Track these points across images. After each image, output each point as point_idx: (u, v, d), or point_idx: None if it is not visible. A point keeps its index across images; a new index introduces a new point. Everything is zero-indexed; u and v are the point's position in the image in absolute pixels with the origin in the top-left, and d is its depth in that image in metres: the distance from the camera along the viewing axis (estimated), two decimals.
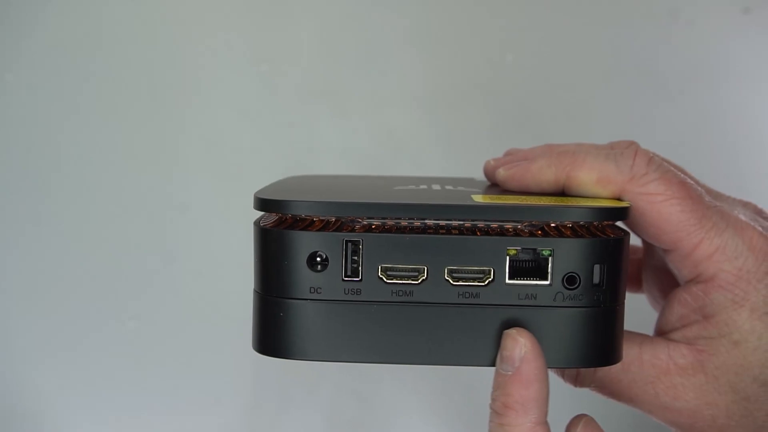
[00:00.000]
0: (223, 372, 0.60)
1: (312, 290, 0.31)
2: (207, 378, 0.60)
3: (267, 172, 0.59)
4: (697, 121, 0.58)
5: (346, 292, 0.31)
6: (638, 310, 0.37)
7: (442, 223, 0.31)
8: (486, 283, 0.30)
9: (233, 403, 0.60)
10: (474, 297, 0.30)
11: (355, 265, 0.30)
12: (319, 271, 0.30)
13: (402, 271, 0.31)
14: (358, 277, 0.30)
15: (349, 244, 0.30)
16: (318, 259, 0.30)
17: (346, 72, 0.59)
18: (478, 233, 0.31)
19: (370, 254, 0.30)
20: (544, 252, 0.30)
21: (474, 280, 0.31)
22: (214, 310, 0.60)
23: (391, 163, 0.59)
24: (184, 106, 0.59)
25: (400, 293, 0.31)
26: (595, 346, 0.31)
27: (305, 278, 0.30)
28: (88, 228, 0.59)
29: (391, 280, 0.31)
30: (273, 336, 0.31)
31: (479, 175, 0.40)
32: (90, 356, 0.60)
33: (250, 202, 0.31)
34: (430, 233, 0.31)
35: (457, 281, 0.31)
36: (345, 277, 0.30)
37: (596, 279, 0.31)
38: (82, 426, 0.60)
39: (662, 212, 0.33)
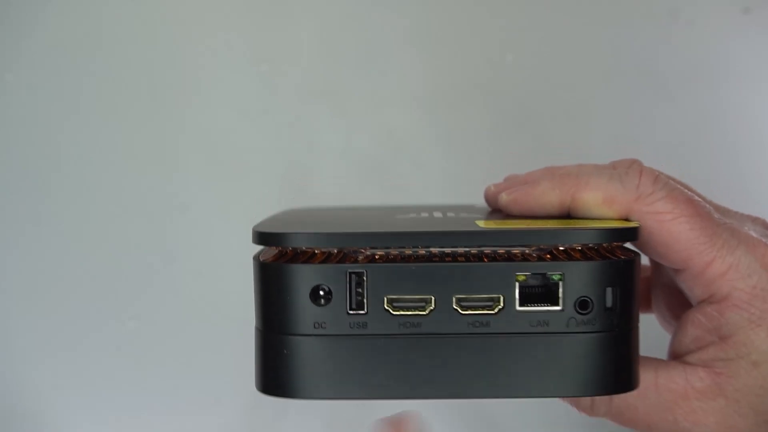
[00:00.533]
0: (223, 372, 0.60)
1: (316, 325, 0.29)
2: (207, 378, 0.60)
3: (267, 172, 0.59)
4: (697, 121, 0.58)
5: (352, 326, 0.29)
6: (645, 332, 0.36)
7: (448, 250, 0.30)
8: (496, 311, 0.30)
9: (233, 403, 0.60)
10: (484, 326, 0.29)
11: (360, 298, 0.29)
12: (323, 305, 0.29)
13: (409, 302, 0.30)
14: (364, 309, 0.29)
15: (353, 276, 0.29)
16: (321, 292, 0.29)
17: (346, 72, 0.59)
18: (486, 259, 0.30)
19: (375, 285, 0.29)
20: (554, 276, 0.29)
21: (484, 308, 0.30)
22: (214, 310, 0.60)
23: (391, 163, 0.59)
24: (184, 106, 0.59)
25: (408, 325, 0.29)
26: (612, 372, 0.30)
27: (309, 313, 0.29)
28: (88, 228, 0.59)
29: (398, 311, 0.29)
30: (278, 375, 0.30)
31: (479, 202, 0.39)
32: (90, 356, 0.60)
33: (250, 202, 0.31)
34: (435, 261, 0.30)
35: (467, 310, 0.30)
36: (350, 310, 0.29)
37: (609, 302, 0.30)
38: (82, 426, 0.60)
39: (672, 231, 0.33)
